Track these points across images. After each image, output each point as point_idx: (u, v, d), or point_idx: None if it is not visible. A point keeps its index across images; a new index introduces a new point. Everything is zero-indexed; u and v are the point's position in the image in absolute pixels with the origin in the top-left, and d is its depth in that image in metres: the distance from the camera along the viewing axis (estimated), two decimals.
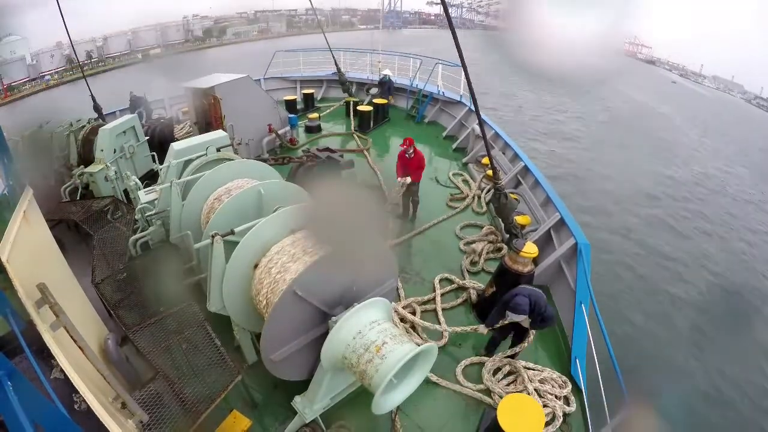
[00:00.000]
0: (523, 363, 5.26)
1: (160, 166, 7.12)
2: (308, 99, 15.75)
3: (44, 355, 3.05)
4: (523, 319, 4.88)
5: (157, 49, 65.53)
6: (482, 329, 5.26)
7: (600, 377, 4.73)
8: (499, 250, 7.52)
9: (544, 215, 8.09)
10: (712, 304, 13.24)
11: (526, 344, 5.42)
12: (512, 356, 5.39)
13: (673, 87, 67.80)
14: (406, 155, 7.96)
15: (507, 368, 5.26)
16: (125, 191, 8.47)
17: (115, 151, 9.09)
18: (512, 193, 8.93)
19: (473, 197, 9.39)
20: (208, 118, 10.63)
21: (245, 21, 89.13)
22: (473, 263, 7.31)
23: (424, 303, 6.39)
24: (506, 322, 5.03)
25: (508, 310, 4.93)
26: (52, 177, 10.17)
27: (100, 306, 5.33)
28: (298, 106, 15.31)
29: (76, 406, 3.02)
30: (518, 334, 5.40)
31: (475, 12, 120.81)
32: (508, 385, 5.07)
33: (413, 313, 6.17)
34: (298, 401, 4.35)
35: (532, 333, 5.50)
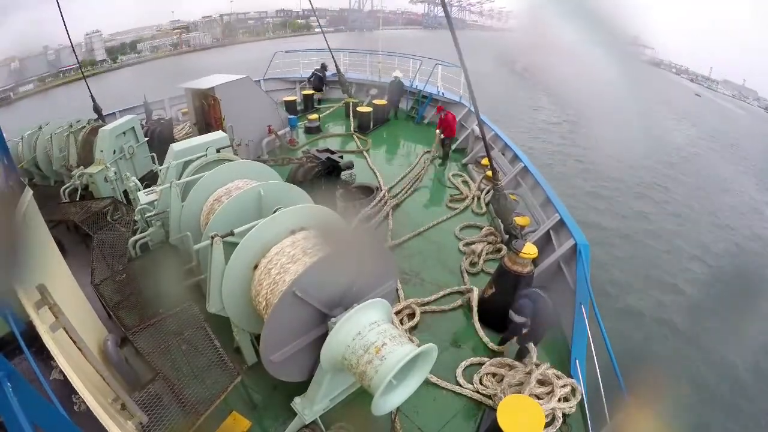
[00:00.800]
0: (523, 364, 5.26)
1: (160, 167, 7.12)
2: (308, 100, 15.76)
3: (44, 356, 3.05)
4: (524, 322, 4.94)
5: (28, 84, 48.03)
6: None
7: (600, 378, 4.73)
8: (499, 251, 7.52)
9: (543, 216, 8.09)
10: (712, 302, 13.24)
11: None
12: (519, 359, 5.39)
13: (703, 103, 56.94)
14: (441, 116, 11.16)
15: (507, 369, 5.26)
16: (125, 192, 8.47)
17: (114, 152, 9.09)
18: (511, 194, 8.94)
19: (473, 198, 9.39)
20: (208, 118, 10.64)
21: (167, 31, 74.46)
22: (473, 264, 7.31)
23: (424, 305, 6.38)
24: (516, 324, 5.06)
25: (512, 311, 4.98)
26: (51, 178, 10.19)
27: (100, 307, 5.33)
28: (298, 107, 15.32)
29: (75, 408, 3.01)
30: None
31: (467, 11, 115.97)
32: (508, 386, 5.07)
33: (413, 314, 6.17)
34: (297, 402, 4.35)
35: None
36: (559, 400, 4.79)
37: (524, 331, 5.07)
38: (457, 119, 13.07)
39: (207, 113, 10.66)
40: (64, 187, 8.78)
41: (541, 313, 4.98)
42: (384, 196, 9.33)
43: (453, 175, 10.46)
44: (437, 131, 11.31)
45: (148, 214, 6.63)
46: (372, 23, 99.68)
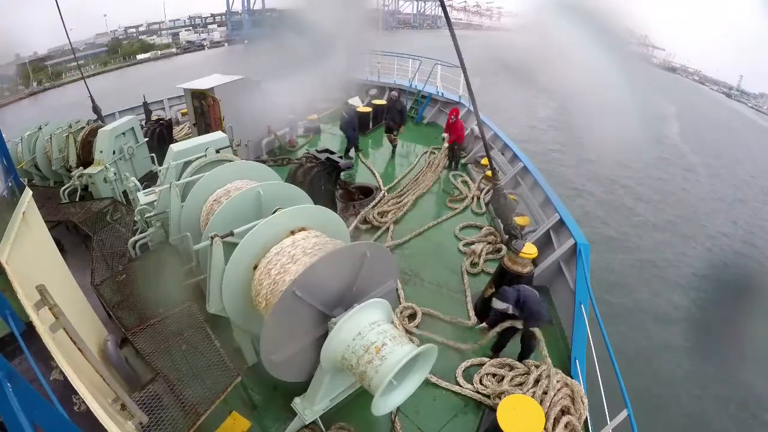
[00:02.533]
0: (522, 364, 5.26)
1: (160, 168, 7.12)
2: None
3: (44, 356, 3.04)
4: (505, 308, 4.93)
5: None
6: (483, 325, 5.28)
7: (600, 378, 4.73)
8: (499, 250, 7.52)
9: (543, 216, 8.09)
10: (711, 301, 13.26)
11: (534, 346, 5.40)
12: (520, 359, 5.38)
13: None
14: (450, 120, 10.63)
15: (507, 369, 5.26)
16: (124, 192, 8.47)
17: (114, 153, 9.09)
18: (511, 193, 8.94)
19: (472, 198, 9.40)
20: (207, 119, 10.63)
21: None
22: (473, 264, 7.31)
23: (424, 305, 6.38)
24: (497, 312, 5.06)
25: (495, 297, 5.02)
26: (51, 178, 10.19)
27: (100, 307, 5.34)
28: None
29: (75, 408, 3.01)
30: (524, 337, 5.39)
31: (449, 8, 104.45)
32: (510, 386, 5.07)
33: (413, 314, 6.17)
34: (297, 402, 4.34)
35: (538, 335, 5.48)
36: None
37: (507, 321, 5.08)
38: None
39: (207, 114, 10.64)
40: (63, 187, 8.78)
41: (528, 302, 4.95)
42: (383, 196, 9.34)
43: (453, 175, 10.46)
44: (444, 135, 10.78)
45: (147, 215, 6.62)
46: (248, 31, 75.72)
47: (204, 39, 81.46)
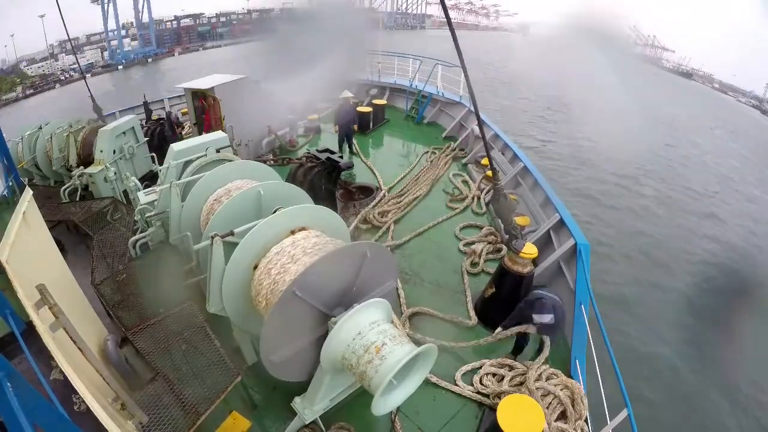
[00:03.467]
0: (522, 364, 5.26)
1: (160, 167, 7.12)
2: None
3: (44, 356, 3.05)
4: (550, 320, 4.88)
5: None
6: (499, 330, 5.29)
7: (600, 378, 4.73)
8: (499, 250, 7.52)
9: (543, 216, 8.09)
10: (711, 301, 13.25)
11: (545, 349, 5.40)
12: (514, 356, 5.40)
13: None
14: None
15: (507, 369, 5.26)
16: (125, 192, 8.48)
17: (114, 152, 9.09)
18: (511, 194, 8.93)
19: (473, 198, 9.39)
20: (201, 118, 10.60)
21: None
22: (473, 264, 7.31)
23: (425, 304, 6.38)
24: (528, 329, 5.01)
25: (534, 313, 4.93)
26: (51, 178, 10.20)
27: (100, 307, 5.34)
28: None
29: (75, 407, 3.02)
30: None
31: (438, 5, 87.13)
32: (510, 386, 5.07)
33: (413, 314, 6.17)
34: (297, 402, 4.34)
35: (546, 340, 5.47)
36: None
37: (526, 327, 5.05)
38: (457, 119, 13.11)
39: (206, 113, 10.63)
40: (64, 187, 8.79)
41: (560, 311, 4.95)
42: (384, 196, 9.34)
43: (453, 175, 10.46)
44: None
45: (148, 214, 6.63)
46: (149, 50, 62.15)
47: (62, 69, 60.74)
